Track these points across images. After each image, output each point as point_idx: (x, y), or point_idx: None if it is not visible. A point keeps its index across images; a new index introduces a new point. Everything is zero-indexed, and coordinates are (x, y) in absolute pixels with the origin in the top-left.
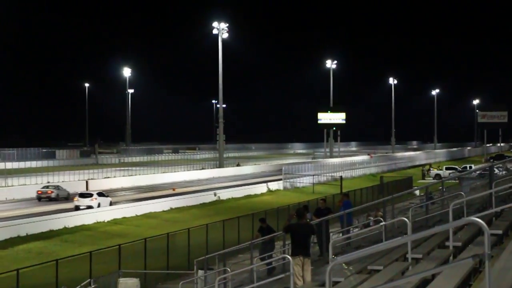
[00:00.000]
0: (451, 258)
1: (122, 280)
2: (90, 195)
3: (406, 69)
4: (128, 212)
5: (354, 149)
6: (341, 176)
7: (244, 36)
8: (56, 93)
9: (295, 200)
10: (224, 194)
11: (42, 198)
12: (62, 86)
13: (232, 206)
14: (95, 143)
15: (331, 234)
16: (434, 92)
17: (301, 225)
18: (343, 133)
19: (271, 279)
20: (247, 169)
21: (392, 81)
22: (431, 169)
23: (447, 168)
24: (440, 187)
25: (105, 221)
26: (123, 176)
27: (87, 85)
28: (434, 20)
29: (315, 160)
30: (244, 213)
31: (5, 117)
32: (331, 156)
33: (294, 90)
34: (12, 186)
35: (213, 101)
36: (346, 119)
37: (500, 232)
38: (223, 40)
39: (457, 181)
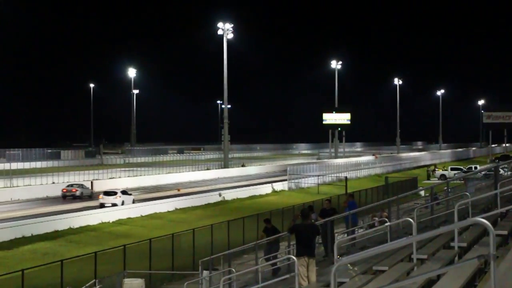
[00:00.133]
0: (456, 258)
1: (127, 281)
2: (115, 193)
3: (411, 69)
4: (133, 212)
5: (359, 149)
6: (346, 177)
7: (249, 36)
8: (61, 93)
9: (300, 201)
10: (229, 195)
11: (66, 196)
12: (67, 87)
13: (237, 207)
14: (100, 144)
15: (336, 234)
16: (439, 92)
17: (306, 226)
18: (348, 134)
19: (276, 280)
20: (252, 169)
21: (397, 81)
22: (436, 169)
23: (452, 169)
24: (445, 188)
25: (110, 221)
26: (128, 176)
27: (92, 85)
28: (440, 20)
29: (320, 160)
30: (249, 213)
31: (10, 118)
32: (336, 157)
33: (299, 91)
34: (17, 186)
35: (218, 102)
36: (351, 120)
37: (505, 232)
38: (228, 41)
39: (462, 181)
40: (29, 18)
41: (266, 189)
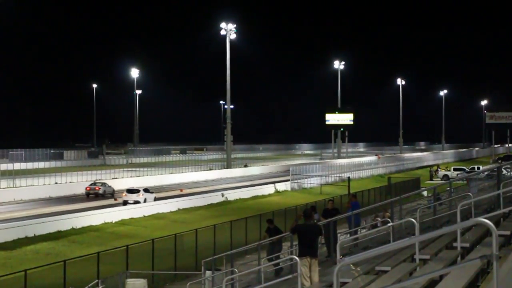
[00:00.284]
0: (459, 259)
1: (129, 281)
2: (137, 191)
3: (414, 69)
4: (136, 212)
5: (361, 150)
6: (348, 177)
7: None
8: (64, 94)
9: (303, 201)
10: (232, 195)
11: (90, 194)
12: (70, 87)
13: (239, 207)
14: (103, 144)
15: (338, 235)
16: (442, 92)
17: (308, 226)
18: (351, 134)
19: (278, 280)
20: (254, 169)
21: (400, 81)
22: (439, 169)
23: (455, 169)
24: (448, 188)
25: (113, 221)
26: (131, 176)
27: (95, 86)
28: (443, 21)
29: (322, 161)
30: (252, 213)
31: (13, 118)
32: (339, 157)
33: (302, 91)
34: (20, 187)
35: (221, 102)
36: (354, 120)
37: (508, 233)
38: (231, 41)
39: (465, 182)
40: (32, 18)
41: (268, 189)
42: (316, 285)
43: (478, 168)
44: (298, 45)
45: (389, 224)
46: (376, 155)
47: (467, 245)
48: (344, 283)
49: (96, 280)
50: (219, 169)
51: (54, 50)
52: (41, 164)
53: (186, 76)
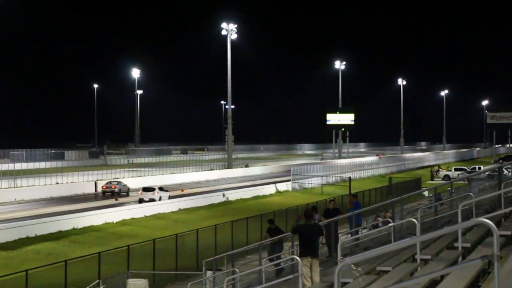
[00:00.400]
0: (460, 259)
1: (131, 281)
2: (153, 190)
3: (415, 70)
4: (137, 213)
5: (362, 150)
6: (349, 177)
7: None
8: (65, 94)
9: (304, 201)
10: (233, 195)
11: (106, 192)
12: (71, 87)
13: (240, 207)
14: (104, 144)
15: (339, 235)
16: (443, 93)
17: (309, 226)
18: (352, 134)
19: (279, 280)
20: (255, 170)
21: (401, 82)
22: (440, 170)
23: (456, 169)
24: (449, 188)
25: (114, 222)
26: (132, 177)
27: (96, 86)
28: (444, 21)
29: (323, 161)
30: (253, 214)
31: (14, 118)
32: (340, 157)
33: (303, 91)
34: (21, 187)
35: (222, 102)
36: (355, 120)
37: (509, 233)
38: (232, 41)
39: (466, 182)
40: (33, 18)
41: (269, 189)
42: (317, 285)
43: (479, 168)
44: (299, 45)
45: (390, 224)
46: (377, 155)
47: (468, 245)
48: (345, 283)
49: (97, 280)
50: (220, 169)
51: (55, 50)
52: (42, 164)
53: (187, 76)
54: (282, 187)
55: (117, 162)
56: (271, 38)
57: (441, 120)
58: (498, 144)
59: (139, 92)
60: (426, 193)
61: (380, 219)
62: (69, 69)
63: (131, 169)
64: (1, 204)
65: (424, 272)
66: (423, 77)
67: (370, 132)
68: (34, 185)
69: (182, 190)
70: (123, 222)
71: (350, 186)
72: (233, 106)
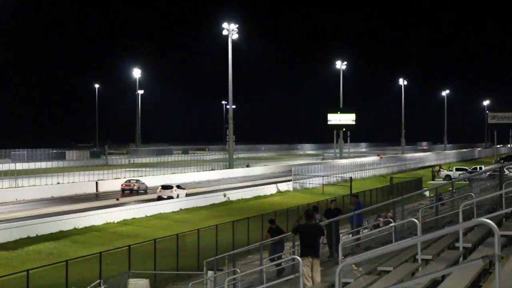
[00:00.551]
0: (461, 259)
1: (132, 281)
2: (171, 187)
3: (416, 70)
4: (138, 213)
5: (363, 150)
6: (350, 177)
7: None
8: (67, 94)
9: (305, 201)
10: (234, 195)
11: (125, 190)
12: (72, 88)
13: (241, 207)
14: (105, 144)
15: (341, 235)
16: (444, 93)
17: (310, 226)
18: (353, 134)
19: (280, 280)
20: (256, 170)
21: (402, 82)
22: (441, 170)
23: (457, 169)
24: (450, 188)
25: (115, 221)
26: (133, 177)
27: (97, 86)
28: (445, 21)
29: (324, 161)
30: (254, 214)
31: (15, 118)
32: (341, 157)
33: (304, 91)
34: (22, 187)
35: (223, 102)
36: (356, 120)
37: (510, 233)
38: (233, 41)
39: (467, 182)
40: (34, 18)
41: (270, 189)
42: (318, 285)
43: (480, 168)
44: (300, 45)
45: (391, 224)
46: (378, 155)
47: (469, 245)
48: (346, 283)
49: (98, 280)
50: (221, 169)
51: (57, 50)
52: (43, 164)
53: (188, 76)
54: (283, 187)
55: (118, 162)
56: (272, 38)
57: (442, 120)
58: (499, 144)
59: (140, 92)
60: (427, 193)
61: (381, 219)
62: (71, 69)
63: (132, 169)
64: (2, 204)
65: (425, 272)
66: (424, 77)
67: (371, 132)
68: (35, 185)
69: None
70: (124, 222)
71: (351, 186)
72: (234, 106)
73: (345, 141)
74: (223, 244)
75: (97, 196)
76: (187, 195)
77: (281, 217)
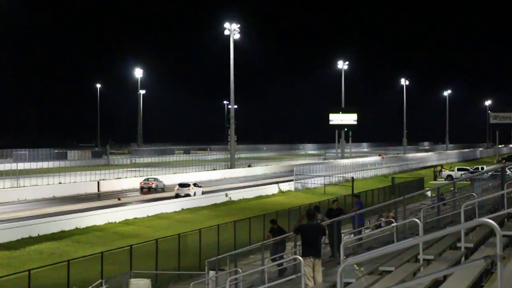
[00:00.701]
0: (462, 259)
1: (133, 281)
2: (188, 185)
3: (418, 70)
4: (140, 212)
5: (365, 150)
6: (352, 177)
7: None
8: (68, 94)
9: (306, 201)
10: (235, 195)
11: (144, 188)
12: (74, 87)
13: (243, 207)
14: (106, 144)
15: (342, 235)
16: (446, 93)
17: (312, 226)
18: (355, 134)
19: (282, 280)
20: (258, 170)
21: (404, 82)
22: (443, 170)
23: (459, 169)
24: (452, 188)
25: (117, 221)
26: (135, 176)
27: (99, 86)
28: (447, 21)
29: (326, 161)
30: (255, 214)
31: (16, 118)
32: (343, 157)
33: (305, 91)
34: (24, 186)
35: (225, 102)
36: (358, 120)
37: None
38: (235, 41)
39: (469, 182)
40: (36, 18)
41: (272, 189)
42: (320, 285)
43: (482, 168)
44: (302, 45)
45: (393, 224)
46: (379, 155)
47: (471, 245)
48: (347, 283)
49: (100, 280)
50: (222, 169)
51: (58, 50)
52: (45, 164)
53: (190, 76)
54: (284, 187)
55: (119, 162)
56: (274, 38)
57: (444, 120)
58: (501, 144)
59: (142, 92)
60: (429, 193)
61: (383, 219)
62: (72, 69)
63: (133, 169)
64: (4, 204)
65: (427, 272)
66: (426, 77)
67: (373, 132)
68: (37, 185)
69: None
70: (126, 222)
71: (352, 186)
72: (236, 106)
73: (347, 141)
74: (225, 244)
75: (98, 196)
76: (203, 193)
77: (283, 217)
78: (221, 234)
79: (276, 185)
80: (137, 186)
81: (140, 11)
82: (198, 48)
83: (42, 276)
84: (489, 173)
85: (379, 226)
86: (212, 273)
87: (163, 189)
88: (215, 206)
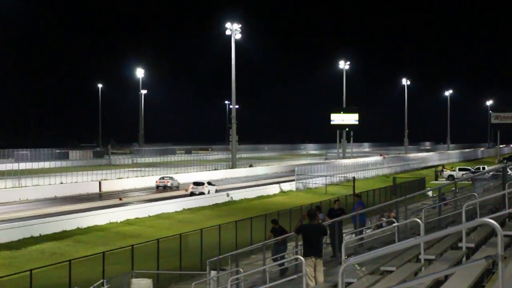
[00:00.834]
0: (464, 259)
1: (135, 281)
2: (202, 184)
3: (419, 70)
4: (141, 212)
5: (367, 150)
6: (353, 177)
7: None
8: (70, 94)
9: (308, 201)
10: (237, 195)
11: (159, 186)
12: (76, 87)
13: (244, 207)
14: (108, 144)
15: (344, 234)
16: (447, 93)
17: (313, 226)
18: (356, 134)
19: (283, 280)
20: (259, 169)
21: (405, 81)
22: (444, 170)
23: (460, 169)
24: (453, 188)
25: (118, 221)
26: (136, 176)
27: (100, 86)
28: (448, 21)
29: (327, 161)
30: (257, 213)
31: (18, 118)
32: (344, 157)
33: (307, 91)
34: (26, 186)
35: (226, 102)
36: (359, 120)
37: None
38: (236, 41)
39: (470, 182)
40: (37, 18)
41: (273, 189)
42: (321, 285)
43: (483, 168)
44: (303, 45)
45: (394, 224)
46: (381, 155)
47: (472, 245)
48: (349, 283)
49: (101, 280)
50: (224, 169)
51: (60, 50)
52: (46, 164)
53: (191, 76)
54: (286, 187)
55: (121, 162)
56: (275, 38)
57: (445, 120)
58: (502, 144)
59: (143, 92)
60: (430, 193)
61: (384, 219)
62: (74, 69)
63: (135, 169)
64: (6, 204)
65: (428, 272)
66: (427, 77)
67: (374, 132)
68: (38, 185)
69: (186, 190)
70: (127, 222)
71: (354, 186)
72: (237, 106)
73: (348, 141)
74: (226, 244)
75: (100, 196)
76: (216, 191)
77: (284, 217)
78: (222, 234)
79: (277, 185)
80: (139, 186)
81: (142, 11)
82: (200, 48)
83: (44, 276)
84: (491, 173)
85: (380, 226)
86: (213, 273)
87: (177, 187)
88: (216, 206)
